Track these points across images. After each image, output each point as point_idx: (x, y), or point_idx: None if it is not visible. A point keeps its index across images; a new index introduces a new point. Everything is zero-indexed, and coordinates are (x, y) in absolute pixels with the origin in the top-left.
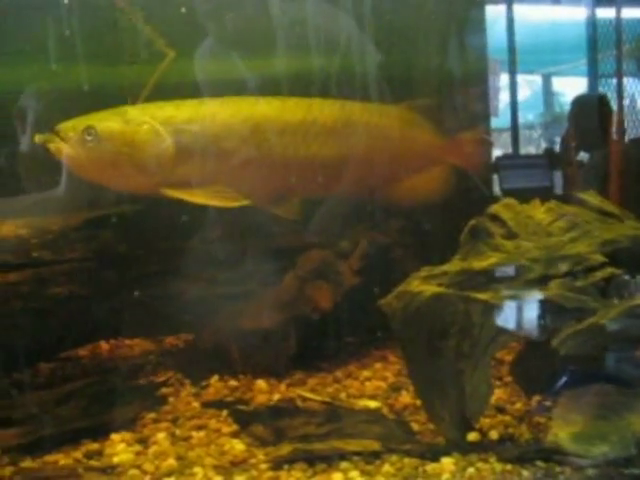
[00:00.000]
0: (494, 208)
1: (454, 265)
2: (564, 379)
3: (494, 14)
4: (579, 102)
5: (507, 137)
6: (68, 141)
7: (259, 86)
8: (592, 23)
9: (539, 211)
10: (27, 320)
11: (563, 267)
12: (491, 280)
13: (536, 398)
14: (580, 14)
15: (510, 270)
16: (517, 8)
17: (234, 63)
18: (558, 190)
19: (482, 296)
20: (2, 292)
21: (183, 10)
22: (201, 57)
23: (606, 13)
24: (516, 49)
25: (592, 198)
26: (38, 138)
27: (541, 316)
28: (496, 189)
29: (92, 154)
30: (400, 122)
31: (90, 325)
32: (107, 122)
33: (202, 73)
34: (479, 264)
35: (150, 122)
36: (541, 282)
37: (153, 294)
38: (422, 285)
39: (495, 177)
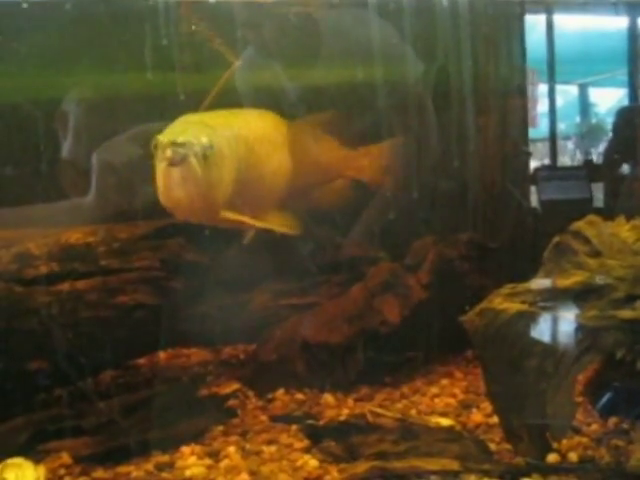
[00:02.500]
0: (577, 225)
1: (538, 282)
2: None
3: (531, 24)
4: (623, 113)
5: (541, 147)
6: (195, 155)
7: (299, 96)
8: (632, 33)
9: (624, 229)
10: (94, 329)
11: None
12: (575, 298)
13: (613, 420)
14: (617, 24)
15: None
16: (553, 18)
17: (274, 73)
18: (598, 203)
19: (568, 315)
20: (71, 300)
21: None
22: (242, 67)
23: None
24: (554, 59)
25: None
26: (170, 151)
27: (626, 336)
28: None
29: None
30: (297, 137)
31: (154, 334)
32: (220, 138)
33: (242, 83)
34: (563, 282)
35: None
36: (627, 301)
37: (218, 304)
38: (505, 302)
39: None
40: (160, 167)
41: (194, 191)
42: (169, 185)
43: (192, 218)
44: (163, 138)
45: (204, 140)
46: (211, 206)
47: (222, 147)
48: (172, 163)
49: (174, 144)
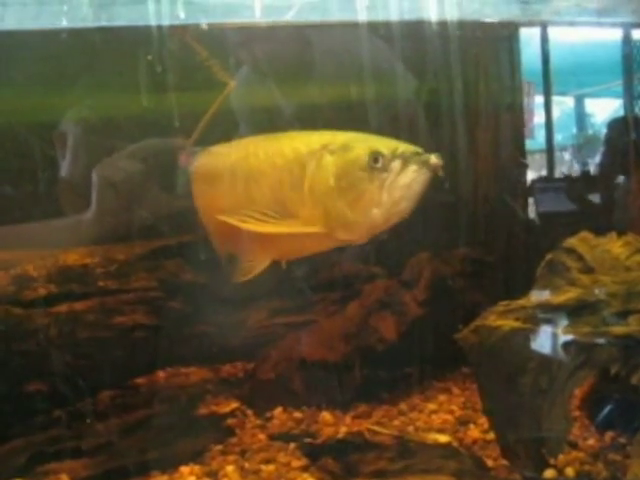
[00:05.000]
0: (570, 242)
1: (531, 299)
2: None
3: (527, 36)
4: (615, 124)
5: (539, 158)
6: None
7: (294, 114)
8: (628, 43)
9: (616, 245)
10: (92, 349)
11: None
12: (569, 314)
13: (609, 434)
14: (613, 35)
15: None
16: (548, 30)
17: (269, 91)
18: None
19: (560, 331)
20: (69, 321)
21: None
22: (236, 86)
23: None
24: (550, 71)
25: None
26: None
27: (620, 351)
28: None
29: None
30: None
31: (153, 354)
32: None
33: (237, 102)
34: (556, 298)
35: None
36: (620, 317)
37: (215, 322)
38: (499, 320)
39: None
40: (412, 176)
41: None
42: (415, 194)
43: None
44: (396, 150)
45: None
46: None
47: None
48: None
49: (417, 153)
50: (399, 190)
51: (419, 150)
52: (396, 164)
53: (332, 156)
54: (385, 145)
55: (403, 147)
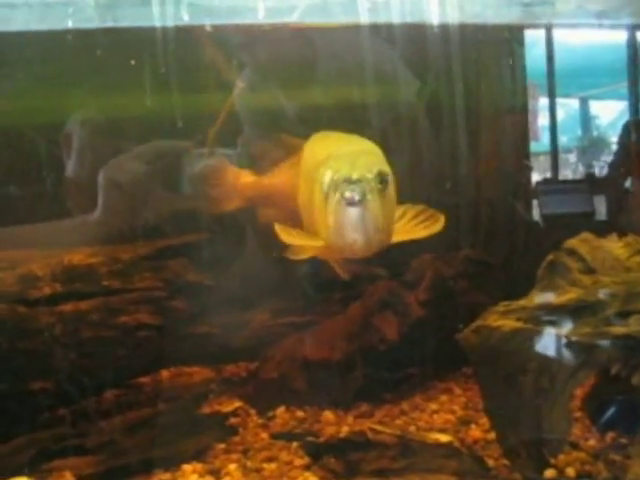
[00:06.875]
0: (571, 242)
1: (532, 300)
2: None
3: (532, 38)
4: (631, 126)
5: (543, 160)
6: (372, 192)
7: (297, 116)
8: (632, 45)
9: (617, 245)
10: (96, 348)
11: None
12: (569, 315)
13: (610, 435)
14: (618, 37)
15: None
16: (553, 32)
17: (272, 93)
18: (600, 216)
19: (561, 331)
20: (73, 320)
21: None
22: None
23: None
24: (554, 73)
25: None
26: (348, 192)
27: (620, 352)
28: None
29: (382, 203)
30: None
31: (156, 354)
32: (385, 166)
33: (241, 104)
34: (557, 299)
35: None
36: (620, 317)
37: (218, 323)
38: (500, 320)
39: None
40: (335, 207)
41: (372, 230)
42: (346, 226)
43: (364, 254)
44: (335, 175)
45: (378, 173)
46: (388, 238)
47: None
48: (350, 203)
49: (349, 181)
50: (335, 217)
51: (355, 178)
52: (332, 191)
53: (324, 169)
54: (345, 166)
55: (346, 172)
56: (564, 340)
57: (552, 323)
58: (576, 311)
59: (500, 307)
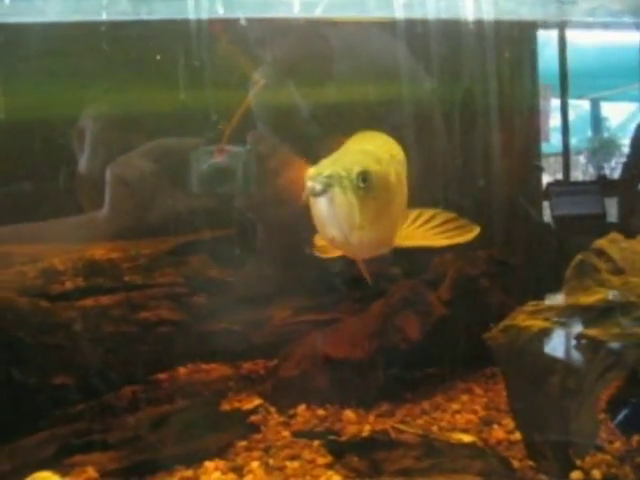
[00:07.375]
0: (600, 243)
1: (560, 300)
2: None
3: (545, 39)
4: None
5: (554, 162)
6: (344, 189)
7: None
8: None
9: None
10: (117, 344)
11: None
12: (598, 316)
13: (636, 438)
14: (631, 38)
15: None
16: (566, 33)
17: (288, 90)
18: (611, 218)
19: (591, 332)
20: (95, 315)
21: None
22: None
23: None
24: (567, 74)
25: None
26: (316, 183)
27: None
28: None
29: (362, 202)
30: None
31: (177, 350)
32: (376, 166)
33: (257, 101)
34: (586, 300)
35: (393, 163)
36: None
37: (239, 320)
38: (528, 320)
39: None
40: (311, 201)
41: (347, 225)
42: (316, 219)
43: (360, 252)
44: (313, 171)
45: (359, 172)
46: (381, 239)
47: (388, 175)
48: (314, 194)
49: (317, 175)
50: (312, 212)
51: (326, 174)
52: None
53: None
54: (325, 163)
55: (321, 168)
56: (592, 341)
57: (580, 324)
58: (605, 312)
59: (528, 307)
